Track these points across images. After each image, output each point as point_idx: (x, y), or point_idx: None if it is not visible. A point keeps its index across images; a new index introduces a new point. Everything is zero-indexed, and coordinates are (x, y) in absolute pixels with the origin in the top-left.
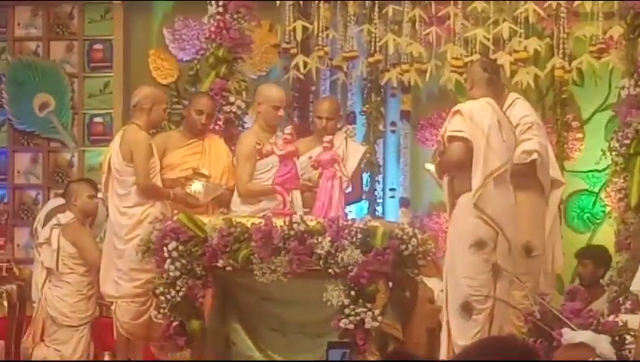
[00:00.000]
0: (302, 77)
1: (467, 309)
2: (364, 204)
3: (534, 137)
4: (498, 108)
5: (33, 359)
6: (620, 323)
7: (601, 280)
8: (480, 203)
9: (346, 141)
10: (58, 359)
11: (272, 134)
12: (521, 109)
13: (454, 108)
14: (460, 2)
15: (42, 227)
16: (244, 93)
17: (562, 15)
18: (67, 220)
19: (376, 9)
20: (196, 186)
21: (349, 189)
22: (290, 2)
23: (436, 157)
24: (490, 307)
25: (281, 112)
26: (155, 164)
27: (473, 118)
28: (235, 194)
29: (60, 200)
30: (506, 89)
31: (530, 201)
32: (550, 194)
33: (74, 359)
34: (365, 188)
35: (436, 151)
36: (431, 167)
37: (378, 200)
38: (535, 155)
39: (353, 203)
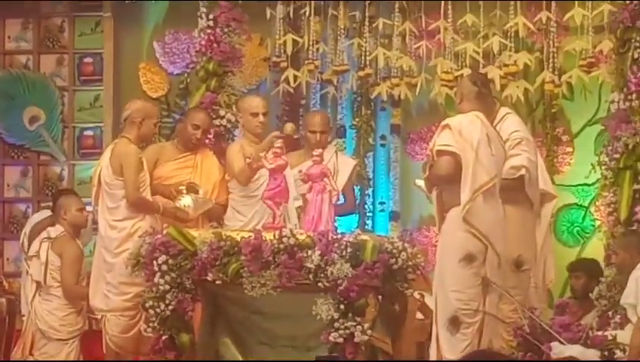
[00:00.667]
0: (292, 90)
1: (455, 324)
2: (355, 217)
3: (523, 153)
4: (487, 122)
5: None
6: (610, 338)
7: (590, 294)
8: (469, 217)
9: (337, 154)
10: None
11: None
12: (511, 124)
13: (443, 122)
14: (450, 16)
15: (28, 240)
16: (234, 106)
17: (552, 29)
18: (57, 233)
19: (367, 23)
20: (185, 201)
21: (341, 201)
22: (281, 16)
23: (426, 170)
24: (479, 321)
25: (260, 118)
26: (144, 177)
27: (462, 132)
28: (229, 208)
29: (46, 213)
30: (498, 103)
31: (519, 215)
32: (542, 207)
33: None
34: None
35: (426, 165)
36: (421, 182)
37: (368, 214)
38: (523, 171)
39: (346, 215)
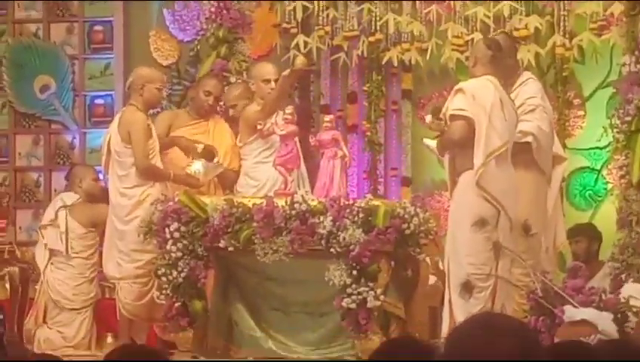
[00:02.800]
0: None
1: (467, 289)
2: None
3: (534, 120)
4: (500, 87)
5: (36, 340)
6: (622, 300)
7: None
8: (482, 181)
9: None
10: (61, 340)
11: None
12: (530, 90)
13: (456, 87)
14: None
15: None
16: (244, 73)
17: None
18: (72, 201)
19: None
20: (196, 166)
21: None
22: None
23: (432, 117)
24: (492, 285)
25: (272, 85)
26: (154, 144)
27: (475, 96)
28: (242, 175)
29: (75, 197)
30: (520, 67)
31: (530, 180)
32: (552, 170)
33: (77, 340)
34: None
35: (432, 111)
36: (430, 142)
37: (379, 180)
38: (530, 138)
39: None
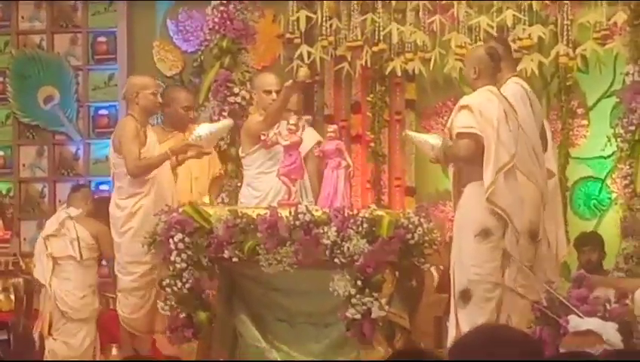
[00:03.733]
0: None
1: (465, 297)
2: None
3: None
4: (501, 96)
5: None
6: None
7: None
8: (492, 197)
9: (303, 128)
10: (66, 351)
11: None
12: (507, 90)
13: (462, 103)
14: None
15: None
16: (248, 83)
17: (566, 2)
18: (77, 213)
19: None
20: (199, 131)
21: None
22: None
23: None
24: (498, 296)
25: (274, 96)
26: (148, 153)
27: (482, 112)
28: (244, 185)
29: (78, 211)
30: (514, 70)
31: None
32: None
33: (82, 351)
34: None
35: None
36: (414, 134)
37: (383, 190)
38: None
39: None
